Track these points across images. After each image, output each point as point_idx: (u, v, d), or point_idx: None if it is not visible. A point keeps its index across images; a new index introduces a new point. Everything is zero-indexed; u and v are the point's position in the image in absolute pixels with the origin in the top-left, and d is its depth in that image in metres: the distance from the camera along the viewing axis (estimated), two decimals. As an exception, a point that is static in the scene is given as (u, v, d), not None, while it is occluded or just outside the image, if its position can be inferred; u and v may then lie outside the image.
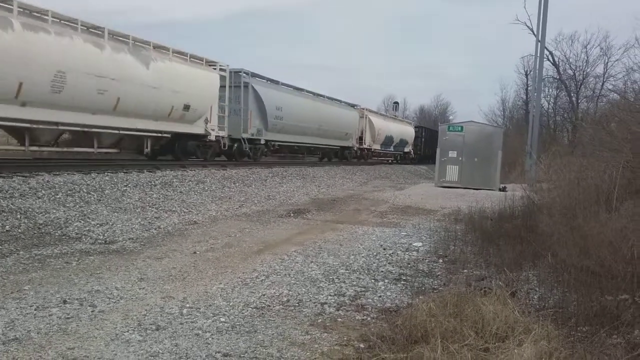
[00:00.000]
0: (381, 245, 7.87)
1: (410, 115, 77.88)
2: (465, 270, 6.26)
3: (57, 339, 3.80)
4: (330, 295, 5.19)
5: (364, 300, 5.09)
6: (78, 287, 5.11)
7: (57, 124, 12.01)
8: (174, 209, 10.30)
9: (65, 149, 13.53)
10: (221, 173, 15.17)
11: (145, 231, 8.30)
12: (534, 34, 29.63)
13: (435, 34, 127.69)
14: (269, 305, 4.79)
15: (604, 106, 26.96)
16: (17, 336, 3.81)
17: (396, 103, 55.53)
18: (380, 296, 5.26)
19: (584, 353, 3.47)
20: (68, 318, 4.23)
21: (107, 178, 11.14)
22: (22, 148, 12.11)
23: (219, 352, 3.67)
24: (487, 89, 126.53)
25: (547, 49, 34.02)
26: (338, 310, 4.76)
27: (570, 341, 3.73)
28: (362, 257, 7.02)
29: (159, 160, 15.75)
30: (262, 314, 4.56)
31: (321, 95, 27.01)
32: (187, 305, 4.66)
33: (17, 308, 4.40)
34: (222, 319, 4.35)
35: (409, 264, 6.77)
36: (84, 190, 9.92)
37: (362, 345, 3.88)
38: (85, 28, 12.70)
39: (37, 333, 3.89)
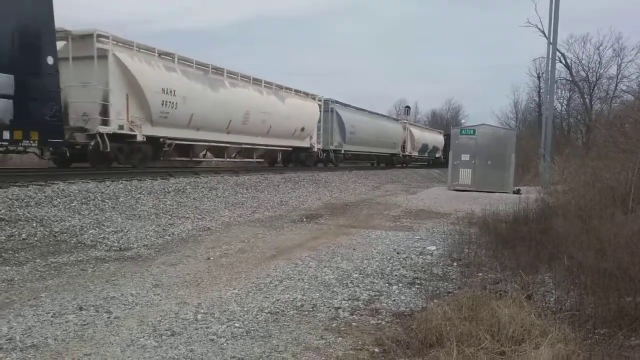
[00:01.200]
0: (395, 249, 7.84)
1: (422, 119, 77.72)
2: (480, 274, 6.22)
3: (73, 345, 3.83)
4: (345, 300, 5.18)
5: (378, 305, 5.08)
6: (94, 293, 5.15)
7: (240, 143, 19.10)
8: (187, 215, 10.36)
9: (238, 160, 20.09)
10: (234, 179, 15.23)
11: (160, 238, 8.35)
12: (545, 36, 29.46)
13: (445, 37, 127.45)
14: (283, 310, 4.79)
15: (617, 107, 26.75)
16: (35, 343, 3.85)
17: (407, 107, 55.36)
18: (394, 300, 5.25)
19: (602, 355, 3.43)
20: (84, 324, 4.26)
21: (121, 186, 11.23)
22: (221, 159, 19.17)
23: (234, 357, 3.68)
24: (499, 91, 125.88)
25: (559, 51, 33.85)
26: (352, 314, 4.75)
27: (587, 344, 3.69)
28: (376, 261, 7.00)
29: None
30: (277, 319, 4.56)
31: (376, 113, 34.00)
32: (202, 311, 4.67)
33: (34, 315, 4.44)
34: (237, 324, 4.36)
35: (423, 267, 6.74)
36: (99, 198, 10.01)
37: (376, 350, 3.87)
38: (253, 80, 19.56)
39: (54, 340, 3.93)
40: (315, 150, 24.42)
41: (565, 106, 44.46)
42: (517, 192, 17.95)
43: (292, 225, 10.29)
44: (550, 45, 23.39)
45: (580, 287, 4.96)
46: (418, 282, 5.99)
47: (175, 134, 15.54)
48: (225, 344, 3.93)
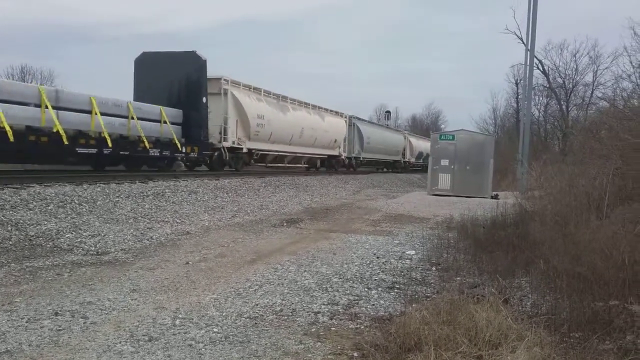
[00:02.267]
0: (374, 254, 7.87)
1: (402, 124, 78.19)
2: (458, 278, 6.27)
3: (48, 351, 3.77)
4: (324, 304, 5.19)
5: (357, 309, 5.09)
6: (70, 298, 5.08)
7: (295, 153, 25.00)
8: (166, 219, 10.27)
9: (288, 165, 25.22)
10: (214, 183, 15.15)
11: (138, 242, 8.27)
12: (523, 43, 29.89)
13: (426, 42, 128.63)
14: (263, 315, 4.78)
15: (593, 114, 27.20)
16: (9, 349, 3.78)
17: (388, 112, 55.87)
18: (373, 305, 5.26)
19: (577, 359, 3.49)
20: (60, 330, 4.20)
21: (98, 189, 11.10)
22: (281, 164, 24.58)
23: (212, 363, 3.65)
24: (478, 97, 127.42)
25: (537, 58, 34.35)
26: (331, 319, 4.76)
27: (563, 347, 3.75)
28: (356, 265, 7.02)
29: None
30: (256, 323, 4.54)
31: (384, 126, 42.34)
32: (180, 316, 4.64)
33: (8, 320, 4.36)
34: (215, 330, 4.33)
35: (402, 272, 6.77)
36: (76, 201, 9.87)
37: (355, 354, 3.87)
38: (304, 104, 25.84)
39: (29, 345, 3.86)
40: (343, 157, 31.21)
41: (542, 112, 45.17)
42: (495, 197, 18.17)
43: (272, 230, 10.27)
44: (528, 52, 23.75)
45: (556, 291, 5.04)
46: (397, 286, 6.02)
47: (261, 147, 21.85)
48: (203, 349, 3.90)
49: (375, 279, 6.33)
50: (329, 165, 30.40)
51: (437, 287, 5.93)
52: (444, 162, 19.98)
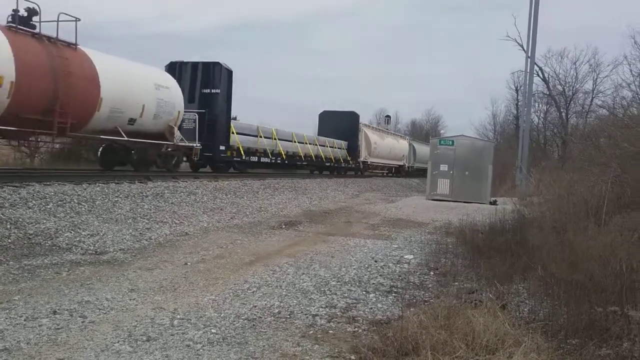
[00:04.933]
0: (372, 258, 7.88)
1: (402, 128, 78.26)
2: (456, 283, 6.29)
3: (46, 349, 3.78)
4: (322, 307, 5.20)
5: (355, 312, 5.10)
6: (68, 297, 5.08)
7: (386, 163, 38.37)
8: (165, 220, 10.28)
9: (382, 170, 38.28)
10: (213, 184, 15.16)
11: (136, 242, 8.27)
12: (524, 50, 29.96)
13: (427, 47, 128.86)
14: (260, 317, 4.79)
15: (593, 122, 27.29)
16: (7, 347, 3.78)
17: (388, 117, 55.76)
18: (371, 308, 5.28)
19: (573, 365, 3.50)
20: (58, 329, 4.20)
21: (98, 189, 11.10)
22: (380, 170, 38.38)
23: (210, 364, 3.66)
24: (478, 103, 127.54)
25: (537, 65, 34.41)
26: (329, 322, 4.77)
27: (559, 353, 3.76)
28: (354, 269, 7.03)
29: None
30: (254, 325, 4.55)
31: (392, 132, 45.31)
32: (178, 317, 4.64)
33: (6, 318, 4.37)
34: (213, 330, 4.34)
35: (400, 276, 6.78)
36: (75, 200, 9.87)
37: (353, 357, 3.89)
38: (391, 132, 43.43)
39: (27, 344, 3.87)
40: (406, 167, 42.05)
41: (542, 119, 45.18)
42: (494, 203, 18.20)
43: (271, 232, 10.28)
44: (529, 60, 23.81)
45: (554, 297, 5.05)
46: (395, 290, 6.03)
47: (373, 160, 35.04)
48: (201, 350, 3.91)
49: (374, 283, 6.34)
50: (397, 171, 40.92)
51: (435, 291, 5.94)
52: (443, 167, 20.01)
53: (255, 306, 5.09)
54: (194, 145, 17.16)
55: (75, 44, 12.82)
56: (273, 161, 23.33)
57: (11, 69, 10.84)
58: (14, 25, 11.55)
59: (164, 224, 9.95)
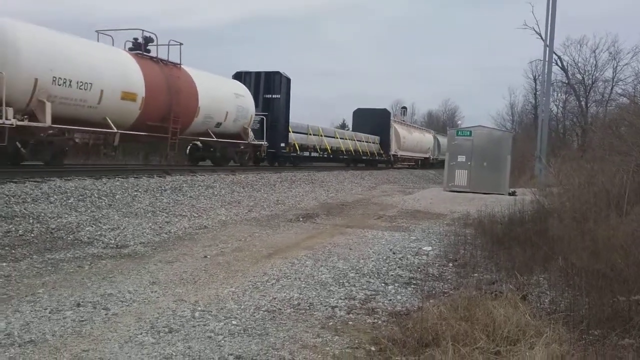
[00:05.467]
0: (391, 249, 7.88)
1: (418, 120, 77.85)
2: (476, 274, 6.26)
3: (71, 341, 3.85)
4: (341, 299, 5.22)
5: (374, 304, 5.11)
6: (91, 290, 5.16)
7: (413, 156, 41.25)
8: (184, 213, 10.37)
9: (406, 164, 40.70)
10: (230, 178, 15.25)
11: (156, 235, 8.36)
12: (542, 38, 29.60)
13: (442, 38, 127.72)
14: (280, 309, 4.82)
15: (613, 110, 26.86)
16: (33, 338, 3.86)
17: (404, 108, 55.48)
18: (390, 300, 5.28)
19: (596, 356, 3.47)
20: (82, 321, 4.28)
21: (117, 183, 11.23)
22: (406, 162, 41.16)
23: (231, 355, 3.70)
24: (495, 93, 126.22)
25: (556, 54, 33.98)
26: (349, 313, 4.79)
27: (581, 344, 3.73)
28: (372, 261, 7.04)
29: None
30: (274, 317, 4.59)
31: (418, 127, 49.86)
32: (199, 309, 4.70)
33: (31, 311, 4.46)
34: (234, 322, 4.38)
35: (418, 267, 6.77)
36: (95, 195, 10.01)
37: (373, 348, 3.90)
38: (416, 127, 47.44)
39: (52, 335, 3.94)
40: (430, 159, 44.54)
41: (561, 109, 44.68)
42: (513, 193, 18.03)
43: (289, 225, 10.32)
44: (547, 48, 23.49)
45: (575, 288, 5.01)
46: (414, 282, 6.03)
47: (402, 153, 37.73)
48: (222, 341, 3.95)
49: (392, 275, 6.34)
50: (423, 164, 43.03)
51: (455, 283, 5.93)
52: (461, 158, 19.86)
53: (274, 298, 5.13)
54: (262, 143, 20.58)
55: (180, 64, 16.21)
56: (320, 155, 26.68)
57: (142, 88, 14.07)
58: (140, 52, 14.96)
59: (183, 217, 10.04)
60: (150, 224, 8.99)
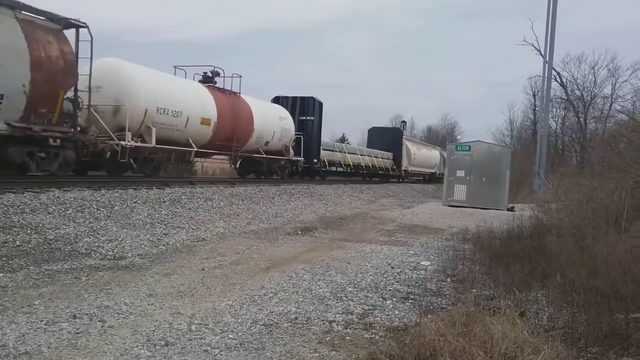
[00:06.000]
0: (389, 264, 7.86)
1: (417, 134, 78.06)
2: (474, 290, 6.24)
3: (67, 353, 3.83)
4: (338, 313, 5.19)
5: (372, 319, 5.09)
6: (87, 302, 5.14)
7: (421, 171, 44.20)
8: (182, 225, 10.35)
9: (415, 178, 43.00)
10: (229, 190, 15.25)
11: (154, 247, 8.34)
12: (541, 55, 29.79)
13: (442, 53, 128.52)
14: (277, 323, 4.80)
15: (612, 127, 26.96)
16: (28, 350, 3.84)
17: (404, 122, 55.76)
18: (388, 315, 5.26)
19: (594, 374, 3.45)
20: (78, 333, 4.25)
21: (116, 194, 11.23)
22: (415, 177, 43.80)
23: (227, 369, 3.68)
24: (495, 108, 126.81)
25: (555, 70, 34.20)
26: (346, 328, 4.76)
27: (580, 362, 3.71)
28: (370, 275, 7.02)
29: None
30: (270, 331, 4.56)
31: (425, 144, 52.42)
32: (196, 322, 4.67)
33: (27, 322, 4.43)
34: (231, 336, 4.36)
35: (417, 282, 6.75)
36: (94, 206, 10.00)
37: (370, 364, 3.87)
38: (425, 144, 50.39)
39: (48, 347, 3.92)
40: (437, 173, 45.95)
41: (560, 125, 44.83)
42: (511, 209, 18.03)
43: (287, 238, 10.30)
44: (546, 64, 23.62)
45: (573, 305, 4.99)
46: (412, 297, 6.01)
47: (412, 168, 40.69)
48: (219, 355, 3.93)
49: (390, 289, 6.32)
50: (429, 178, 45.66)
51: (453, 298, 5.91)
52: (460, 173, 19.88)
53: (272, 312, 5.11)
54: (300, 159, 24.39)
55: (239, 93, 20.08)
56: (344, 170, 30.37)
57: (215, 114, 17.66)
58: (212, 84, 18.82)
59: (181, 229, 10.02)
60: (148, 236, 8.97)
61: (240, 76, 19.82)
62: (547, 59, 23.65)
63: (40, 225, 8.26)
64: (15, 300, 5.09)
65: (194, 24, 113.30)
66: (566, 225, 8.42)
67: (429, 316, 4.83)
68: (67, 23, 12.32)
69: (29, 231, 7.90)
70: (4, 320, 4.44)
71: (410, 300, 5.84)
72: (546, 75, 24.91)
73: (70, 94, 12.58)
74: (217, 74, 19.24)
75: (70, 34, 12.49)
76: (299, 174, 25.77)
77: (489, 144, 22.86)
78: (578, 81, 42.25)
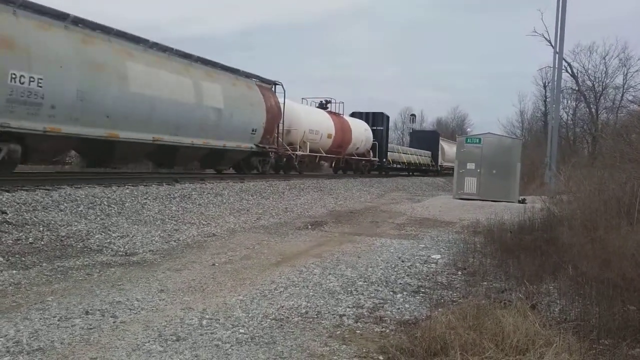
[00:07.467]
0: (399, 258, 7.85)
1: (427, 127, 77.71)
2: (485, 283, 6.22)
3: (80, 349, 3.86)
4: (349, 307, 5.20)
5: (382, 312, 5.09)
6: (100, 298, 5.18)
7: (448, 166, 46.39)
8: (192, 221, 10.40)
9: (446, 171, 47.34)
10: (239, 185, 15.29)
11: (165, 243, 8.39)
12: (552, 45, 29.53)
13: (451, 45, 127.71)
14: (288, 317, 4.81)
15: (624, 117, 26.69)
16: (41, 346, 3.88)
17: (413, 115, 55.88)
18: (398, 308, 5.26)
19: (607, 366, 3.44)
20: (90, 328, 4.29)
21: (127, 191, 11.30)
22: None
23: (238, 363, 3.70)
24: (505, 100, 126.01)
25: (565, 61, 33.89)
26: (357, 322, 4.77)
27: (592, 354, 3.70)
28: (380, 269, 7.01)
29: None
30: (281, 325, 4.58)
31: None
32: (207, 317, 4.70)
33: (40, 319, 4.48)
34: (242, 330, 4.38)
35: (427, 276, 6.74)
36: (105, 203, 10.07)
37: (381, 357, 3.88)
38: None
39: (61, 343, 3.96)
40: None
41: (571, 116, 44.50)
42: (523, 201, 17.91)
43: (297, 233, 10.32)
44: (557, 55, 23.42)
45: (585, 297, 4.97)
46: (422, 290, 6.00)
47: (445, 164, 47.41)
48: (230, 350, 3.95)
49: (400, 283, 6.32)
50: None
51: (463, 291, 5.89)
52: (470, 166, 19.78)
53: (282, 306, 5.12)
54: (376, 159, 32.88)
55: (343, 114, 29.34)
56: (400, 167, 39.32)
57: (333, 131, 26.40)
58: (329, 110, 27.96)
59: (191, 225, 10.07)
60: (159, 232, 9.03)
61: (342, 102, 29.16)
62: (558, 50, 23.44)
63: (52, 222, 8.34)
64: (29, 297, 5.14)
65: (198, 19, 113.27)
66: (578, 217, 8.35)
67: (439, 309, 4.83)
68: (274, 83, 21.34)
69: (41, 228, 7.98)
70: (18, 317, 4.49)
71: (420, 294, 5.83)
72: (557, 66, 24.71)
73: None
74: (329, 102, 28.63)
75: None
76: (375, 170, 34.46)
77: (500, 136, 22.73)
78: (589, 71, 41.93)
